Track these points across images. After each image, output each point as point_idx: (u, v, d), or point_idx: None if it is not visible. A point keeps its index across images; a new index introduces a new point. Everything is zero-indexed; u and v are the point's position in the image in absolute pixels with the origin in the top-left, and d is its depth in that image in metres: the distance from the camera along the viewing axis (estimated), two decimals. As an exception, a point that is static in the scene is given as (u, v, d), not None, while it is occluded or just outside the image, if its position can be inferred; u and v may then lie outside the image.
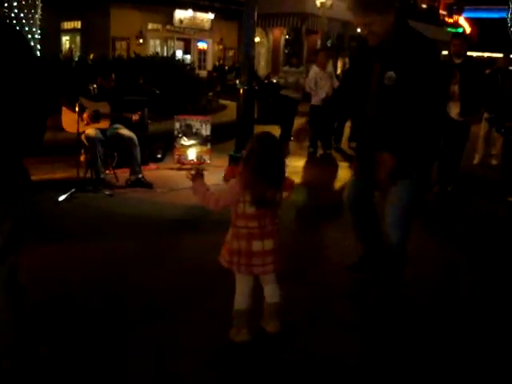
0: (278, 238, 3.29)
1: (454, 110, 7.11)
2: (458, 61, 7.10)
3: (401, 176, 3.62)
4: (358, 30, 17.98)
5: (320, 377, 3.09)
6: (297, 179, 8.26)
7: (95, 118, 7.05)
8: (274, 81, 18.02)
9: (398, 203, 3.74)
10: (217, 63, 26.14)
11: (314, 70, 10.77)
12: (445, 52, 40.61)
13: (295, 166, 9.13)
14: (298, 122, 11.97)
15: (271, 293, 3.38)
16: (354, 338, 3.54)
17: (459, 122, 7.13)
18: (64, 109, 6.94)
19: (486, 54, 46.40)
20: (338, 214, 5.21)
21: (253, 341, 3.32)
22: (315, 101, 10.54)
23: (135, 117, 7.22)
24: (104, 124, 7.14)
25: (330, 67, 10.84)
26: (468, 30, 47.47)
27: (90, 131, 6.90)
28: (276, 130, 12.47)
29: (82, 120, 6.81)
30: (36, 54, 10.41)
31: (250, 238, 3.21)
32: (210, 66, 26.46)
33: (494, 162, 9.94)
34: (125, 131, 7.24)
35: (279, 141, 3.34)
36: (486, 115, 10.34)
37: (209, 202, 3.27)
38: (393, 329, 3.70)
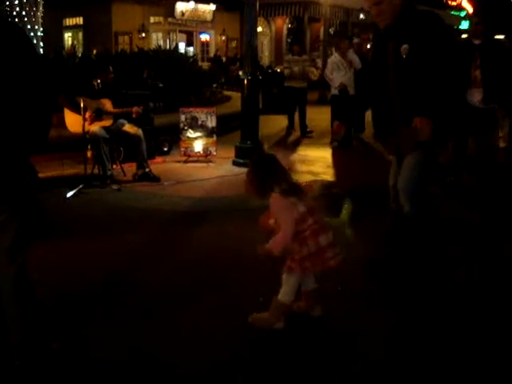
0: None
1: (477, 97, 6.54)
2: (476, 41, 6.58)
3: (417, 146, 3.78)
4: (361, 16, 18.07)
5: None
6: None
7: (97, 115, 7.04)
8: (278, 70, 17.97)
9: (409, 174, 3.90)
10: (219, 54, 26.01)
11: (335, 57, 10.58)
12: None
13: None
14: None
15: (311, 280, 3.50)
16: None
17: (483, 110, 6.55)
18: (66, 109, 6.93)
19: (490, 36, 46.17)
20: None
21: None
22: (333, 90, 10.44)
23: (136, 109, 7.15)
24: (107, 121, 7.13)
25: (350, 54, 10.58)
26: (471, 11, 47.12)
27: (94, 129, 6.89)
28: (281, 120, 12.48)
29: (85, 119, 6.80)
30: (38, 52, 10.41)
31: (315, 236, 3.28)
32: (213, 58, 26.38)
33: (501, 144, 9.87)
34: (130, 127, 7.24)
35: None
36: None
37: (285, 241, 3.25)
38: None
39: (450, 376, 3.00)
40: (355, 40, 11.50)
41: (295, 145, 10.64)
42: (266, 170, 3.29)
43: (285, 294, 3.38)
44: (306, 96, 11.80)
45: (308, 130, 11.64)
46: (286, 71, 11.88)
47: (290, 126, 11.92)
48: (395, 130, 3.97)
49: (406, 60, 3.79)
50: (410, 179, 3.93)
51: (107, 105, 7.12)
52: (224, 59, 24.90)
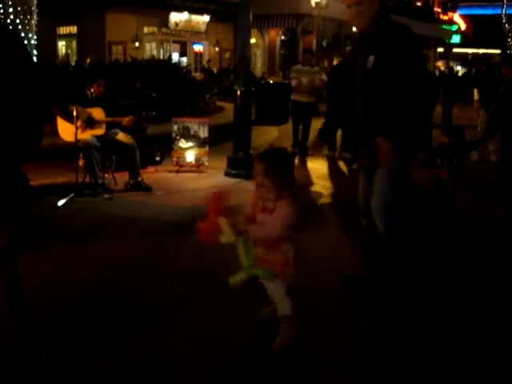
0: None
1: None
2: None
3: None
4: (354, 29, 17.90)
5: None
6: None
7: (89, 123, 7.04)
8: (271, 81, 18.05)
9: (379, 192, 3.82)
10: (206, 65, 26.07)
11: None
12: (440, 49, 40.39)
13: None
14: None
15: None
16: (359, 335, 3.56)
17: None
18: (59, 117, 6.94)
19: (481, 51, 46.59)
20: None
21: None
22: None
23: (127, 119, 7.15)
24: (99, 130, 7.12)
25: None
26: (463, 26, 47.57)
27: (85, 137, 6.89)
28: (273, 131, 12.53)
29: (77, 128, 6.79)
30: (33, 59, 10.40)
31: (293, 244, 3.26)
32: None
33: (492, 158, 9.94)
34: (123, 136, 7.25)
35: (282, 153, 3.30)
36: (482, 111, 10.40)
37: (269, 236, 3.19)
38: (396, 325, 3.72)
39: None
40: (348, 48, 11.18)
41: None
42: (288, 167, 3.20)
43: (282, 305, 3.33)
44: (312, 113, 10.11)
45: (308, 151, 9.84)
46: (294, 82, 10.14)
47: (296, 143, 10.29)
48: (359, 144, 3.92)
49: (370, 72, 3.72)
50: (384, 194, 3.82)
51: (99, 114, 7.12)
52: (215, 70, 24.93)
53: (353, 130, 3.98)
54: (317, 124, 6.31)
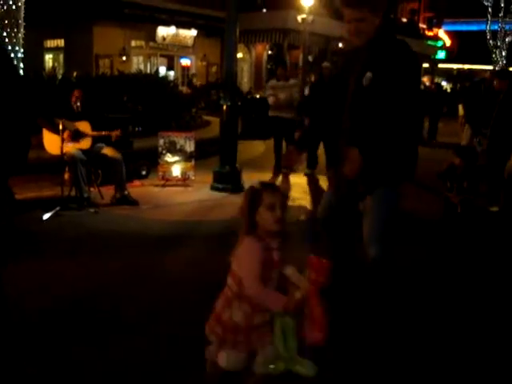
0: None
1: None
2: None
3: (372, 187, 3.54)
4: (340, 45, 17.76)
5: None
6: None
7: (75, 136, 7.03)
8: (257, 96, 18.12)
9: (374, 217, 3.61)
10: (194, 80, 26.13)
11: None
12: (425, 65, 40.65)
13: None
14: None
15: None
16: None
17: None
18: (44, 130, 6.93)
19: (466, 66, 47.11)
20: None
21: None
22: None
23: (115, 133, 7.15)
24: (85, 144, 7.11)
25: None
26: (448, 42, 48.10)
27: (71, 151, 6.89)
28: (259, 145, 12.58)
29: (63, 141, 6.79)
30: (19, 72, 10.39)
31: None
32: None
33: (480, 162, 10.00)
34: (109, 151, 7.25)
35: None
36: (467, 127, 10.51)
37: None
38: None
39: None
40: (325, 64, 9.85)
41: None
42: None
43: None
44: (293, 128, 9.32)
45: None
46: (271, 99, 9.43)
47: (277, 167, 9.31)
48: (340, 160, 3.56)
49: (365, 89, 3.49)
50: (379, 223, 3.60)
51: (86, 127, 7.11)
52: (198, 85, 24.95)
53: (334, 149, 3.75)
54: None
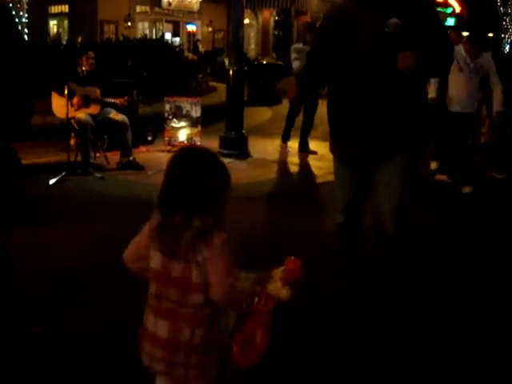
0: None
1: None
2: None
3: (389, 152, 3.32)
4: None
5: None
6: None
7: (85, 102, 7.01)
8: (264, 62, 17.95)
9: (395, 187, 3.37)
10: (198, 45, 25.84)
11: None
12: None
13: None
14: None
15: None
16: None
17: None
18: (54, 94, 6.90)
19: (475, 33, 46.43)
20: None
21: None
22: None
23: (121, 102, 7.15)
24: (94, 109, 7.08)
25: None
26: (458, 8, 47.38)
27: (81, 116, 6.87)
28: (266, 112, 12.49)
29: (72, 105, 6.77)
30: (23, 37, 10.33)
31: None
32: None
33: (482, 139, 9.99)
34: (117, 115, 7.22)
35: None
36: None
37: None
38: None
39: None
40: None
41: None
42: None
43: None
44: (316, 96, 8.64)
45: (309, 149, 8.95)
46: (295, 64, 8.57)
47: (286, 137, 9.11)
48: (364, 128, 3.29)
49: (392, 36, 3.14)
50: (400, 195, 3.39)
51: (95, 92, 7.08)
52: (202, 50, 24.67)
53: (350, 112, 3.36)
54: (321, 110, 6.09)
